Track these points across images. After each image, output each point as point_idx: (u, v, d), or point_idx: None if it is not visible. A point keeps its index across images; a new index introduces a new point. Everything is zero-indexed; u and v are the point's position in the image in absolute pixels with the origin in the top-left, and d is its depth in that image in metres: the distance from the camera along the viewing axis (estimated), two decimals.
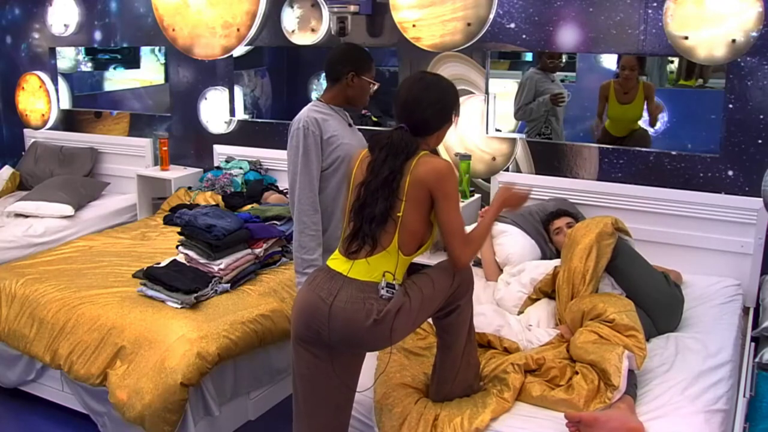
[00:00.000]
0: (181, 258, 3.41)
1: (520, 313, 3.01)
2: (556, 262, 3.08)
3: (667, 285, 2.92)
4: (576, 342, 2.50)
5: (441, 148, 4.11)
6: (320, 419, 2.21)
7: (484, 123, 3.96)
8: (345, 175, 2.55)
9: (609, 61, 3.77)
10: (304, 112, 2.74)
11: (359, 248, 2.10)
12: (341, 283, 2.09)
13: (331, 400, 2.19)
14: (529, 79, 3.90)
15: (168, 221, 4.26)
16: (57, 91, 5.53)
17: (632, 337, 2.47)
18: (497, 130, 3.98)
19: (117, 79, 5.50)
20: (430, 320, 2.78)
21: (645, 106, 3.64)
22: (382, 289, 2.06)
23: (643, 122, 3.69)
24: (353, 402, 2.28)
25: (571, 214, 3.43)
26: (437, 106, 2.16)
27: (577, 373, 2.38)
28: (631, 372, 2.35)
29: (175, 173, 4.81)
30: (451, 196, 2.08)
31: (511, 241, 3.38)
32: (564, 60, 3.85)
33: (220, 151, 4.85)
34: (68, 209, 4.52)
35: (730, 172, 3.39)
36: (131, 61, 5.35)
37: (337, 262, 2.16)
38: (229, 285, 3.27)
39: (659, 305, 2.84)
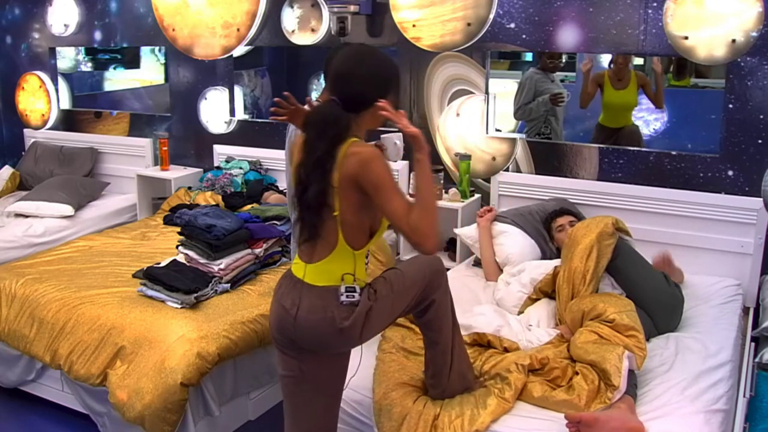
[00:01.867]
0: (181, 258, 3.41)
1: (520, 313, 3.00)
2: (557, 262, 3.08)
3: (667, 285, 2.92)
4: (576, 342, 2.50)
5: (441, 149, 4.11)
6: (306, 420, 2.17)
7: (484, 123, 3.96)
8: None
9: (608, 61, 3.77)
10: None
11: (306, 240, 2.00)
12: (302, 291, 2.01)
13: (316, 401, 2.15)
14: (528, 79, 3.90)
15: (168, 221, 4.26)
16: (57, 91, 5.53)
17: (632, 337, 2.47)
18: (497, 130, 3.98)
19: (117, 79, 5.50)
20: None
21: (646, 95, 3.63)
22: (342, 295, 1.98)
23: (642, 121, 3.69)
24: (340, 402, 2.23)
25: (573, 213, 3.43)
26: (370, 78, 2.00)
27: (577, 373, 2.38)
28: (631, 372, 2.35)
29: (175, 173, 4.81)
30: (381, 184, 1.91)
31: (510, 241, 3.38)
32: (564, 60, 3.85)
33: (220, 151, 4.85)
34: (68, 209, 4.52)
35: (730, 172, 3.39)
36: (131, 61, 5.35)
37: (297, 266, 2.07)
38: (229, 285, 3.27)
39: (659, 305, 2.84)
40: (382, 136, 2.64)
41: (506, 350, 2.60)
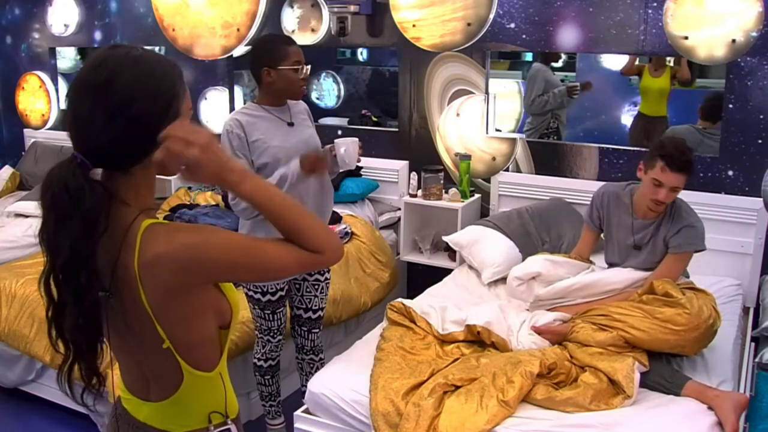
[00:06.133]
0: None
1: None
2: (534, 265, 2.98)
3: None
4: (581, 352, 2.49)
5: (441, 149, 4.10)
6: None
7: (484, 123, 3.96)
8: (279, 181, 2.42)
9: (609, 62, 3.77)
10: (230, 115, 2.64)
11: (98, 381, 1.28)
12: None
13: None
14: (538, 71, 3.95)
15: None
16: (57, 91, 5.52)
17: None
18: (497, 130, 3.99)
19: None
20: (428, 319, 2.78)
21: (678, 79, 3.70)
22: None
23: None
24: None
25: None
26: (128, 116, 1.18)
27: (585, 370, 2.39)
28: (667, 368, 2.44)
29: None
30: (238, 261, 1.22)
31: (485, 246, 3.40)
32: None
33: None
34: None
35: (730, 172, 3.39)
36: None
37: (129, 402, 1.36)
38: None
39: None
40: (335, 141, 2.58)
41: (494, 345, 2.61)
